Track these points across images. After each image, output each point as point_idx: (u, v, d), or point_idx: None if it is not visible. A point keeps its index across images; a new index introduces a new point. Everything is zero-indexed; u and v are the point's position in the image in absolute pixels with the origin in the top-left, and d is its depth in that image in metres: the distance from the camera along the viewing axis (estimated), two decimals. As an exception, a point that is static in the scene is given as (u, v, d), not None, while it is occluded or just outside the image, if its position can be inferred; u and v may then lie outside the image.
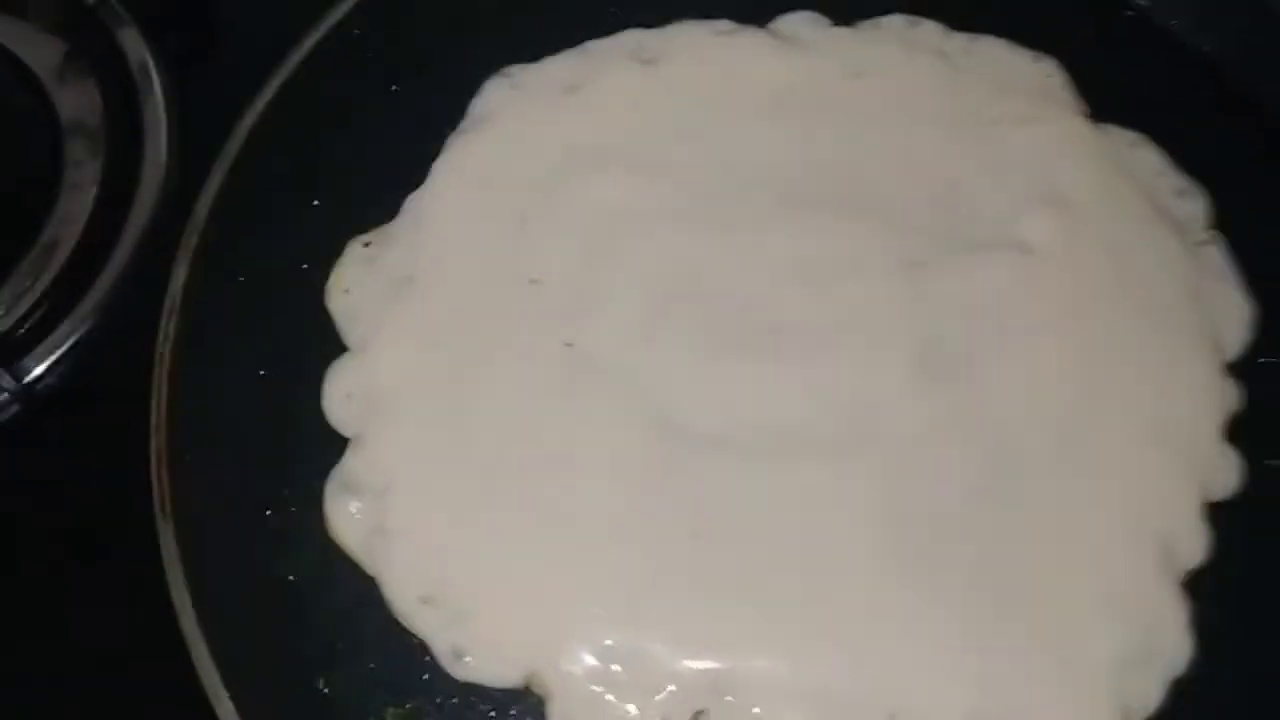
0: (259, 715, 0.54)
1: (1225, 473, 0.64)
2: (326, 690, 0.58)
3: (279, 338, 0.64)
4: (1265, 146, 0.72)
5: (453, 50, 0.72)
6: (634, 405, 0.62)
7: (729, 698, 0.57)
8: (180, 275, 0.60)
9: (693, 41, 0.73)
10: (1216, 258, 0.69)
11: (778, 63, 0.72)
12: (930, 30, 0.74)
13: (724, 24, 0.74)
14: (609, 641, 0.58)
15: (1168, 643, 0.60)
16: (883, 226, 0.67)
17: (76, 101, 0.79)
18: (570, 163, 0.67)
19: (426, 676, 0.58)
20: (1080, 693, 0.59)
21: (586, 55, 0.72)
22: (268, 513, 0.61)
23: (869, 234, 0.67)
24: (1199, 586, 0.62)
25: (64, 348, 0.69)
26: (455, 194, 0.66)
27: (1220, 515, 0.63)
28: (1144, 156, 0.71)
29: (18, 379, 0.67)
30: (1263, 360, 0.67)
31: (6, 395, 0.67)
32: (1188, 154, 0.72)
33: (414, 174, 0.68)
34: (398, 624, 0.59)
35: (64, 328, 0.70)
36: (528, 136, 0.68)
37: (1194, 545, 0.62)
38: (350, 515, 0.61)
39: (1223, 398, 0.66)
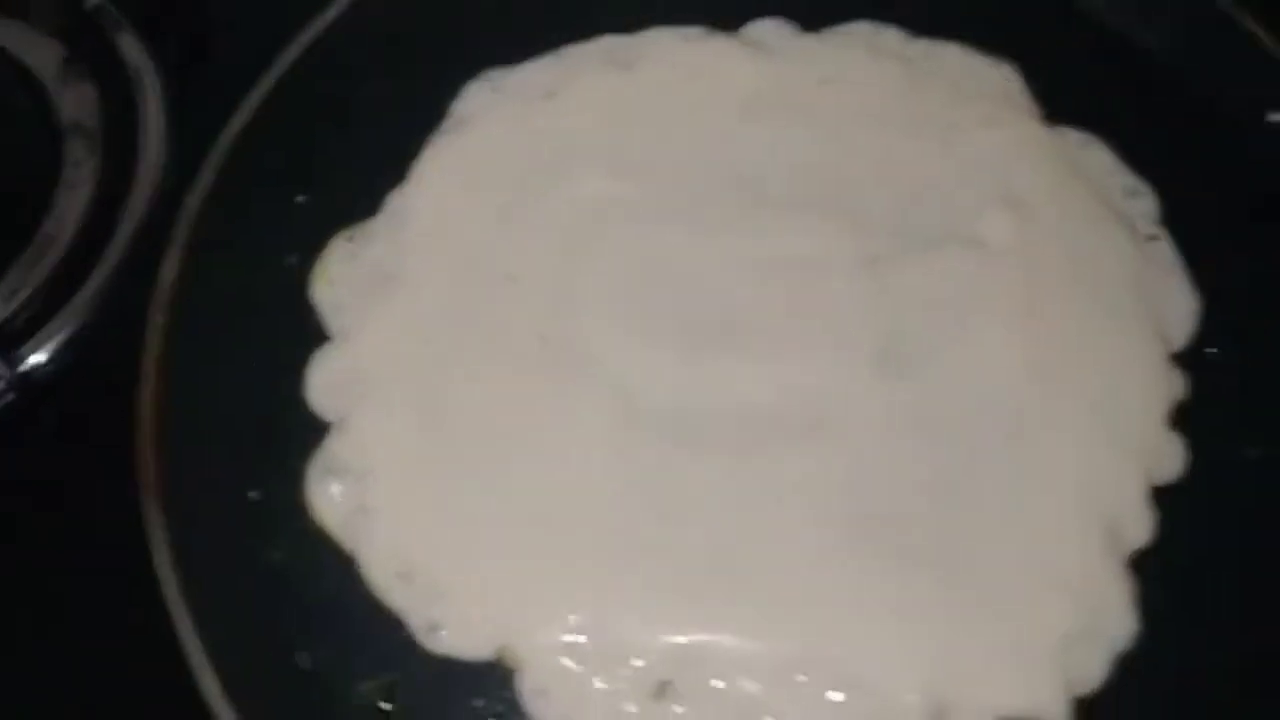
0: (241, 688, 0.57)
1: (1170, 458, 0.67)
2: (307, 664, 0.61)
3: (265, 327, 0.66)
4: (1212, 146, 0.75)
5: (435, 55, 0.75)
6: (605, 395, 0.65)
7: (693, 670, 0.60)
8: (170, 266, 0.63)
9: (666, 47, 0.76)
10: (1164, 253, 0.72)
11: (747, 68, 0.75)
12: (893, 37, 0.77)
13: (696, 30, 0.77)
14: (577, 617, 0.61)
15: (1113, 621, 0.63)
16: (846, 225, 0.70)
17: (76, 103, 0.82)
18: (547, 163, 0.70)
19: (403, 650, 0.61)
20: (1028, 667, 0.61)
21: (564, 60, 0.75)
22: (252, 494, 0.64)
23: (833, 232, 0.70)
24: (1144, 567, 0.65)
25: (59, 339, 0.72)
26: (436, 192, 0.69)
27: (1165, 499, 0.66)
28: (1096, 157, 0.74)
29: (13, 368, 0.70)
30: (1209, 351, 0.71)
31: (3, 383, 0.70)
32: (1138, 154, 0.75)
33: (397, 173, 0.71)
34: (376, 600, 0.62)
35: (59, 320, 0.72)
36: (507, 138, 0.71)
37: (1139, 527, 0.65)
38: (331, 497, 0.63)
39: (1168, 386, 0.69)
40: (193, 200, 0.65)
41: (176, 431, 0.61)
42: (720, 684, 0.60)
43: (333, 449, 0.64)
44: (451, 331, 0.66)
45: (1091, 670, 0.62)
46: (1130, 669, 0.62)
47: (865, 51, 0.76)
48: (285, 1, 0.76)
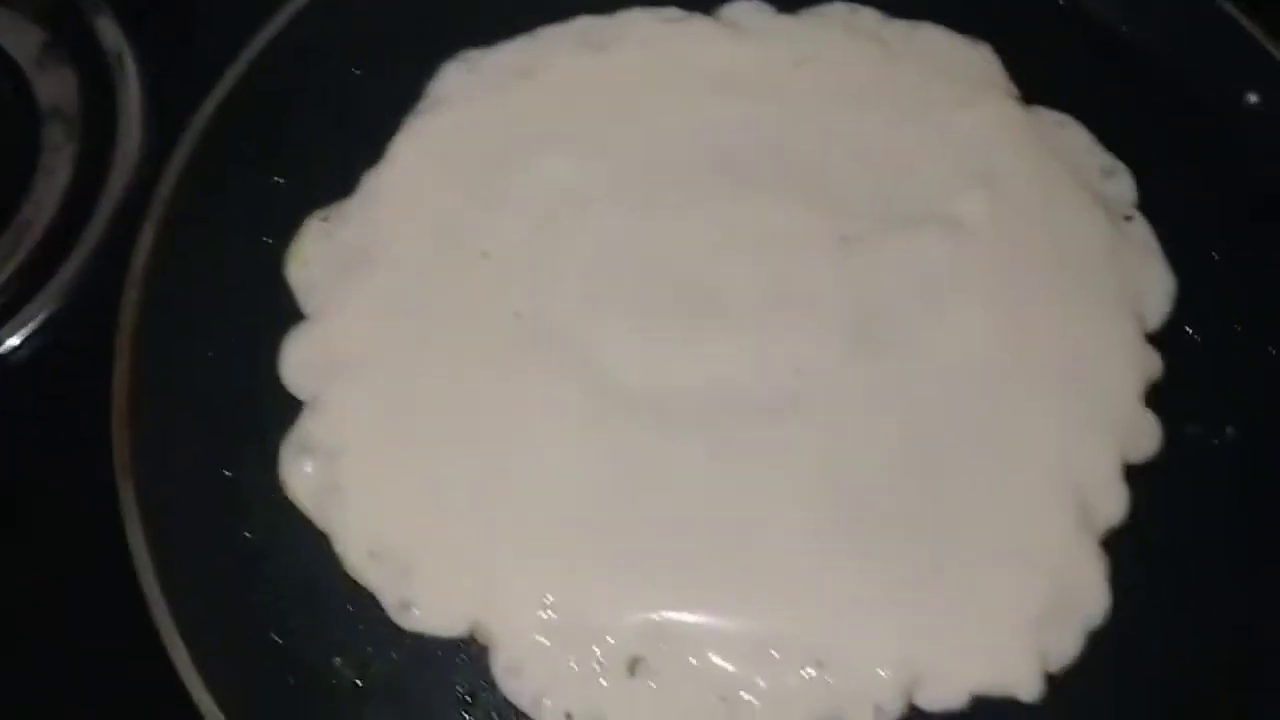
0: (215, 664, 0.57)
1: (1145, 437, 0.67)
2: (280, 640, 0.61)
3: (239, 306, 0.66)
4: (1190, 127, 0.76)
5: (412, 36, 0.75)
6: (578, 371, 0.65)
7: (666, 646, 0.60)
8: (145, 244, 0.63)
9: (641, 28, 0.76)
10: (1141, 232, 0.73)
11: (724, 49, 0.75)
12: (870, 17, 0.77)
13: (672, 11, 0.77)
14: (549, 594, 0.61)
15: (1086, 597, 0.63)
16: (821, 204, 0.70)
17: (55, 88, 0.82)
18: (522, 143, 0.70)
19: (376, 628, 0.61)
20: (1002, 643, 0.62)
21: (539, 41, 0.75)
22: (226, 472, 0.64)
23: (808, 211, 0.70)
24: (1118, 544, 0.65)
25: (36, 322, 0.72)
26: (411, 171, 0.69)
27: (1140, 477, 0.66)
28: (1072, 137, 0.74)
29: (-10, 352, 0.71)
30: (1188, 331, 0.71)
31: (-21, 365, 0.71)
32: (1115, 134, 0.75)
33: (373, 153, 0.71)
34: (349, 578, 0.62)
35: (36, 303, 0.72)
36: (482, 118, 0.71)
37: (1114, 505, 0.66)
38: (304, 474, 0.63)
39: (1144, 365, 0.69)
40: (167, 179, 0.65)
41: (150, 409, 0.61)
42: (693, 660, 0.60)
43: (306, 427, 0.64)
44: (425, 310, 0.66)
45: (1065, 646, 0.62)
46: (1104, 645, 0.63)
47: (842, 32, 0.76)
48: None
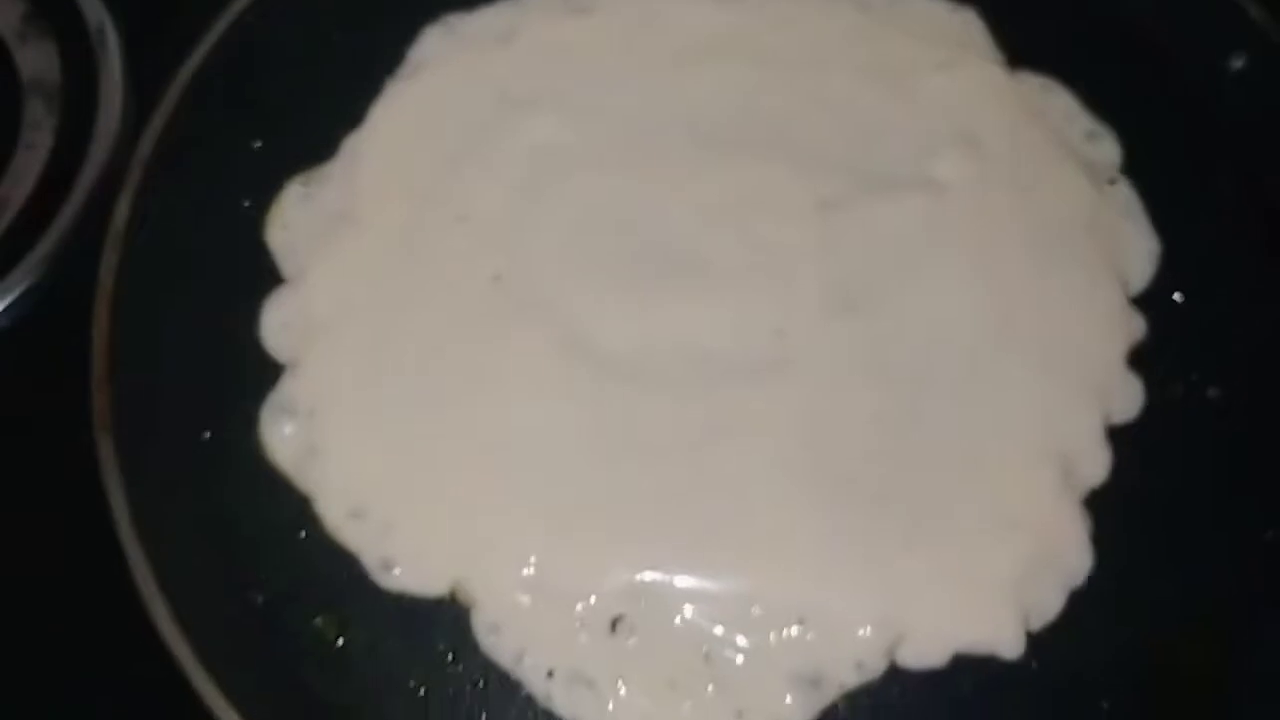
0: (196, 623, 0.57)
1: (1128, 398, 0.67)
2: (261, 600, 0.61)
3: (219, 270, 0.66)
4: (1174, 91, 0.75)
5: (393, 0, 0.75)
6: (558, 334, 0.65)
7: (646, 604, 0.60)
8: (123, 207, 0.63)
9: (623, -8, 0.76)
10: (1125, 196, 0.72)
11: (704, 13, 0.74)
12: (853, -18, 0.78)
13: (653, -25, 0.78)
14: (530, 554, 0.61)
15: (1069, 556, 0.63)
16: (801, 167, 0.70)
17: (36, 60, 0.82)
18: (503, 107, 0.70)
19: (357, 588, 0.61)
20: (983, 601, 0.62)
21: (521, 5, 0.74)
22: (206, 434, 0.64)
23: (788, 174, 0.69)
24: (1100, 504, 0.65)
25: (17, 291, 0.71)
26: (390, 135, 0.69)
27: (1122, 437, 0.66)
28: (1056, 100, 0.74)
29: (-26, 317, 0.71)
30: (1174, 296, 0.71)
31: (-37, 332, 0.70)
32: (1100, 99, 0.75)
33: (353, 118, 0.71)
34: (329, 538, 0.62)
35: (17, 272, 0.72)
36: (462, 82, 0.71)
37: (1096, 466, 0.66)
38: (284, 436, 0.63)
39: (1127, 328, 0.69)
40: (145, 143, 0.65)
41: (129, 371, 0.61)
42: (675, 618, 0.60)
43: (286, 389, 0.64)
44: (404, 272, 0.66)
45: (1047, 604, 0.62)
46: (1086, 604, 0.63)
47: (824, -3, 0.77)
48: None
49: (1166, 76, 0.76)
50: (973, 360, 0.66)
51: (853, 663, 0.60)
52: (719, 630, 0.60)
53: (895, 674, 0.60)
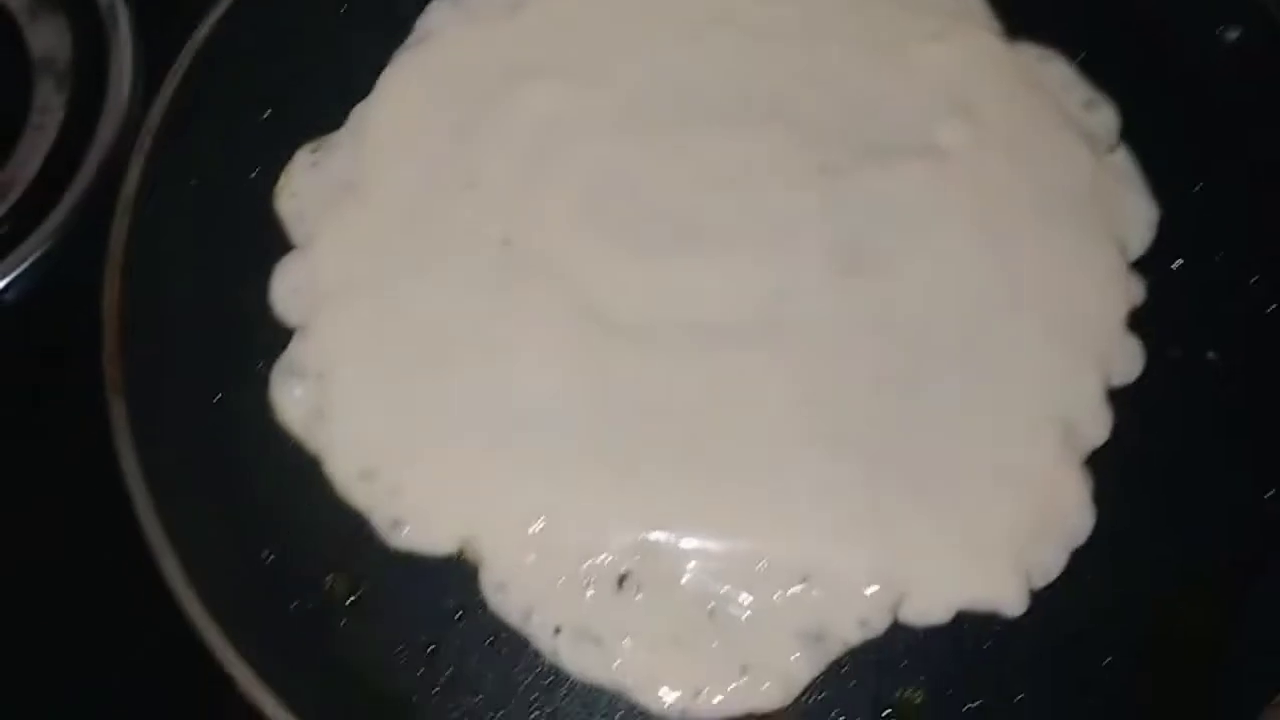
0: (209, 584, 0.57)
1: (1127, 361, 0.68)
2: (272, 560, 0.62)
3: (229, 236, 0.67)
4: (1171, 61, 0.76)
5: (401, -31, 0.76)
6: (565, 297, 0.65)
7: (652, 561, 0.61)
8: (133, 175, 0.63)
9: (627, -34, 0.77)
10: (1123, 163, 0.73)
11: (705, -15, 0.76)
12: (851, -46, 0.78)
13: (656, -52, 0.78)
14: (537, 513, 0.62)
15: (1070, 515, 0.64)
16: (802, 135, 0.70)
17: (46, 38, 0.83)
18: (509, 76, 0.71)
19: (366, 547, 0.62)
20: (985, 559, 0.62)
21: (527, -25, 0.76)
22: (217, 397, 0.64)
23: (789, 142, 0.70)
24: (1101, 464, 0.66)
25: (29, 261, 0.72)
26: (398, 104, 0.70)
27: (1123, 399, 0.67)
28: (1054, 70, 0.75)
29: (-14, 289, 0.72)
30: (1175, 263, 0.72)
31: (-25, 303, 0.71)
32: (1097, 68, 0.75)
33: (361, 88, 0.71)
34: (339, 499, 0.62)
35: (29, 243, 0.73)
36: (470, 52, 0.71)
37: (1097, 426, 0.66)
38: (294, 398, 0.64)
39: (1126, 292, 0.70)
40: (155, 111, 0.66)
41: (141, 335, 0.62)
42: (680, 575, 0.61)
43: (296, 352, 0.65)
44: (413, 238, 0.67)
45: (1049, 563, 0.63)
46: (1087, 562, 0.63)
47: (824, -31, 0.77)
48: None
49: (1163, 48, 0.76)
50: (974, 323, 0.67)
51: (856, 620, 0.61)
52: (724, 587, 0.61)
53: (899, 630, 0.61)
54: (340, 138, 0.70)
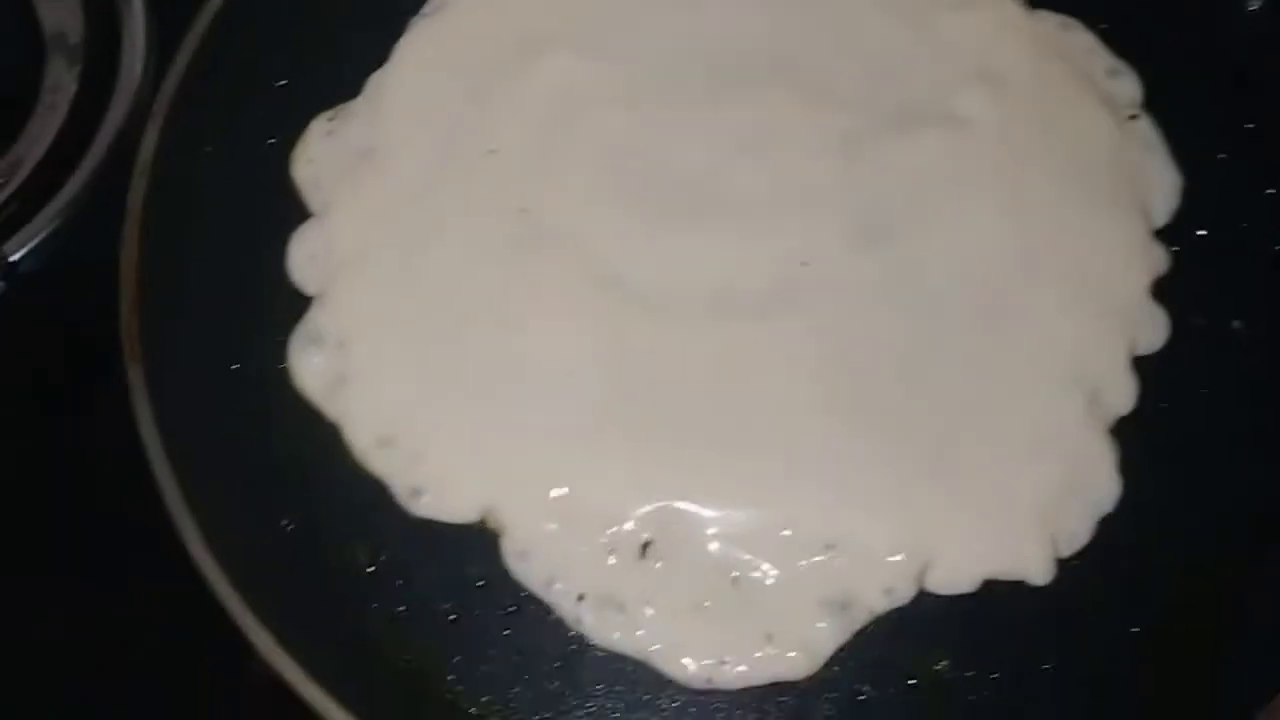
0: (228, 551, 0.57)
1: (1153, 329, 0.67)
2: (291, 528, 0.61)
3: (245, 204, 0.66)
4: (1192, 30, 0.75)
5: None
6: (585, 266, 0.65)
7: (675, 529, 0.60)
8: (150, 140, 0.63)
9: (643, -69, 0.76)
10: (1146, 131, 0.72)
11: (723, -49, 0.75)
12: (870, -78, 0.78)
13: (672, -86, 0.78)
14: (558, 481, 0.61)
15: (1096, 482, 0.63)
16: (822, 104, 0.70)
17: (58, 15, 0.82)
18: (526, 45, 0.70)
19: (387, 515, 0.61)
20: (1012, 527, 0.62)
21: (544, -56, 0.75)
22: (235, 366, 0.64)
23: (809, 111, 0.69)
24: (1127, 433, 0.65)
25: (45, 232, 0.72)
26: (415, 72, 0.69)
27: (1148, 367, 0.67)
28: (1076, 38, 0.74)
29: (4, 258, 0.71)
30: (1198, 233, 0.71)
31: (-5, 272, 0.71)
32: (1120, 37, 0.75)
33: (378, 56, 0.71)
34: (359, 467, 0.62)
35: (45, 213, 0.72)
36: (486, 20, 0.71)
37: (1122, 395, 0.66)
38: (313, 366, 0.63)
39: (1150, 260, 0.69)
40: (170, 79, 0.65)
41: (158, 304, 0.61)
42: (704, 543, 0.60)
43: (314, 320, 0.64)
44: (431, 204, 0.66)
45: (1076, 531, 0.62)
46: (1114, 531, 0.63)
47: (841, -65, 0.77)
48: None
49: (1185, 16, 0.76)
50: (996, 291, 0.66)
51: (882, 588, 0.60)
52: (748, 555, 0.60)
53: (925, 599, 0.60)
54: (357, 106, 0.69)
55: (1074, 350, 0.66)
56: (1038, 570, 0.61)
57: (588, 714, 0.59)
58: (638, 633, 0.59)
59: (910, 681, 0.60)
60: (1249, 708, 0.58)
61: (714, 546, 0.60)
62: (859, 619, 0.60)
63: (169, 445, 0.58)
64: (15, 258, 0.72)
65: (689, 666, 0.59)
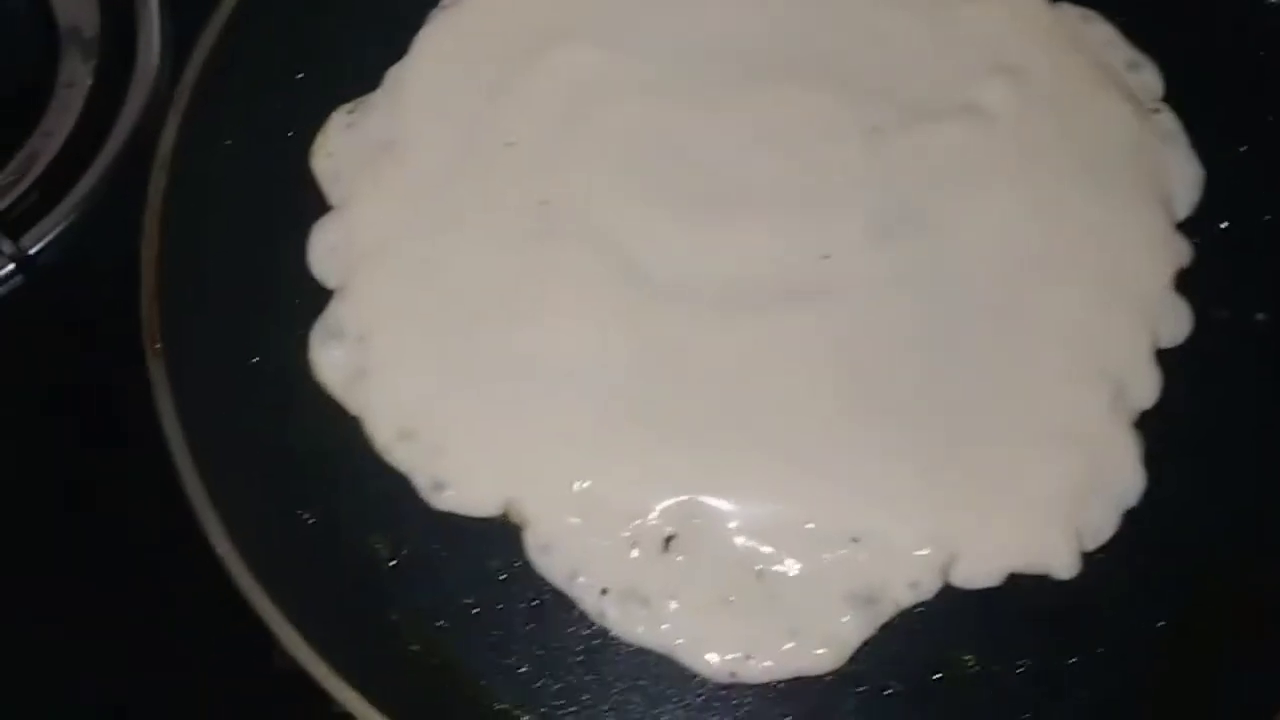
0: (250, 545, 0.56)
1: (1176, 322, 0.67)
2: (312, 521, 0.61)
3: (265, 197, 0.66)
4: (1213, 22, 0.74)
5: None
6: (606, 258, 0.64)
7: (698, 523, 0.60)
8: (170, 133, 0.62)
9: (663, -75, 0.76)
10: (1168, 124, 0.72)
11: (744, -55, 0.75)
12: (890, -88, 0.77)
13: (692, -93, 0.77)
14: (580, 475, 0.61)
15: (1121, 475, 0.63)
16: (842, 95, 0.69)
17: (73, 7, 0.82)
18: (546, 36, 0.69)
19: (409, 509, 0.61)
20: (1037, 520, 0.61)
21: (562, -64, 0.75)
22: (255, 359, 0.64)
23: (829, 102, 0.69)
24: (1151, 426, 0.65)
25: (63, 225, 0.72)
26: (434, 64, 0.69)
27: (1171, 360, 0.66)
28: (1096, 30, 0.74)
29: (21, 250, 0.71)
30: (1220, 225, 0.71)
31: (12, 266, 0.70)
32: (1140, 29, 0.74)
33: (397, 49, 0.70)
34: (380, 460, 0.61)
35: (63, 206, 0.72)
36: (505, 12, 0.70)
37: (1146, 388, 0.65)
38: (333, 359, 0.63)
39: (1173, 253, 0.69)
40: (189, 72, 0.64)
41: (179, 297, 0.61)
42: (728, 537, 0.60)
43: (334, 313, 0.64)
44: (451, 197, 0.66)
45: (1101, 524, 0.62)
46: (1139, 524, 0.62)
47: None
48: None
49: (1205, 8, 0.75)
50: (1019, 283, 0.66)
51: (907, 582, 0.60)
52: (772, 549, 0.60)
53: (950, 593, 0.60)
54: (376, 98, 0.69)
55: (1097, 343, 0.65)
56: (1063, 564, 0.61)
57: (611, 708, 0.59)
58: (662, 627, 0.59)
59: (935, 676, 0.60)
60: (1275, 703, 0.58)
61: (737, 540, 0.60)
62: (884, 613, 0.60)
63: (191, 440, 0.58)
64: (33, 251, 0.72)
65: (713, 661, 0.58)
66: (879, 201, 0.67)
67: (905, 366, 0.63)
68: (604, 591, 0.59)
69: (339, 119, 0.69)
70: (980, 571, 0.60)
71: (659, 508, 0.60)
